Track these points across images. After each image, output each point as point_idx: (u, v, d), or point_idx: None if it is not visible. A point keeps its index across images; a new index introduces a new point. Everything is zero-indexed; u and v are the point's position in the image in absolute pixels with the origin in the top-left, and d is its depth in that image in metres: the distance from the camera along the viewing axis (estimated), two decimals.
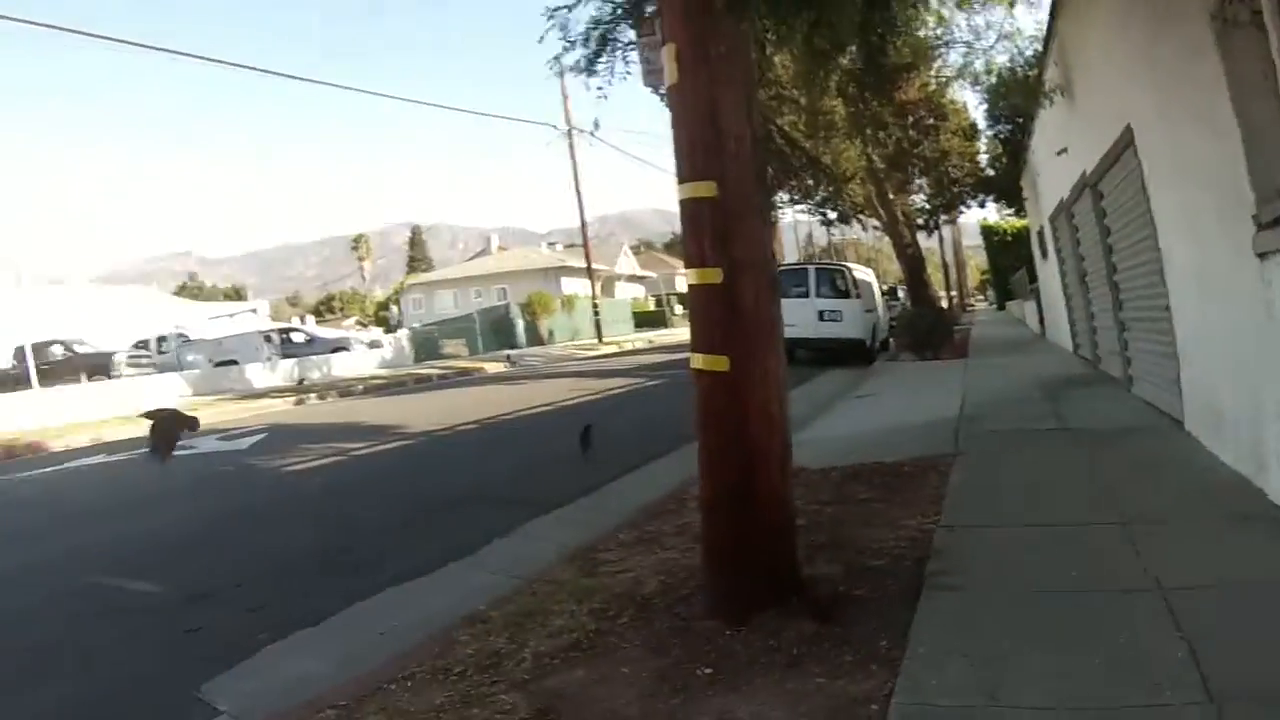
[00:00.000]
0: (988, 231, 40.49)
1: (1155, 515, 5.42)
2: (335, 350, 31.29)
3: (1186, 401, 7.54)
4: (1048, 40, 11.29)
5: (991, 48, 8.89)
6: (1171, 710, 3.08)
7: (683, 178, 4.53)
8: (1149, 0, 6.41)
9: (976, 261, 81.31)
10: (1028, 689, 3.37)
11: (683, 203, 4.54)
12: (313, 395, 22.25)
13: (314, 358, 29.16)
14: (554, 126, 39.11)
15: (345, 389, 23.64)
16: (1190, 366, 7.32)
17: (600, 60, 6.06)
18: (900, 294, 41.44)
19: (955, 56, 8.69)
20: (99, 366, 28.27)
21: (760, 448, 4.49)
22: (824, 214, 36.38)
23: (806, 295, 20.97)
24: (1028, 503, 6.17)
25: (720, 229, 4.39)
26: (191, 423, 7.43)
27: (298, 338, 32.67)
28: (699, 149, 4.45)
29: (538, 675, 4.04)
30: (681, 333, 36.28)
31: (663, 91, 4.94)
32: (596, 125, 30.78)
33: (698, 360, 4.56)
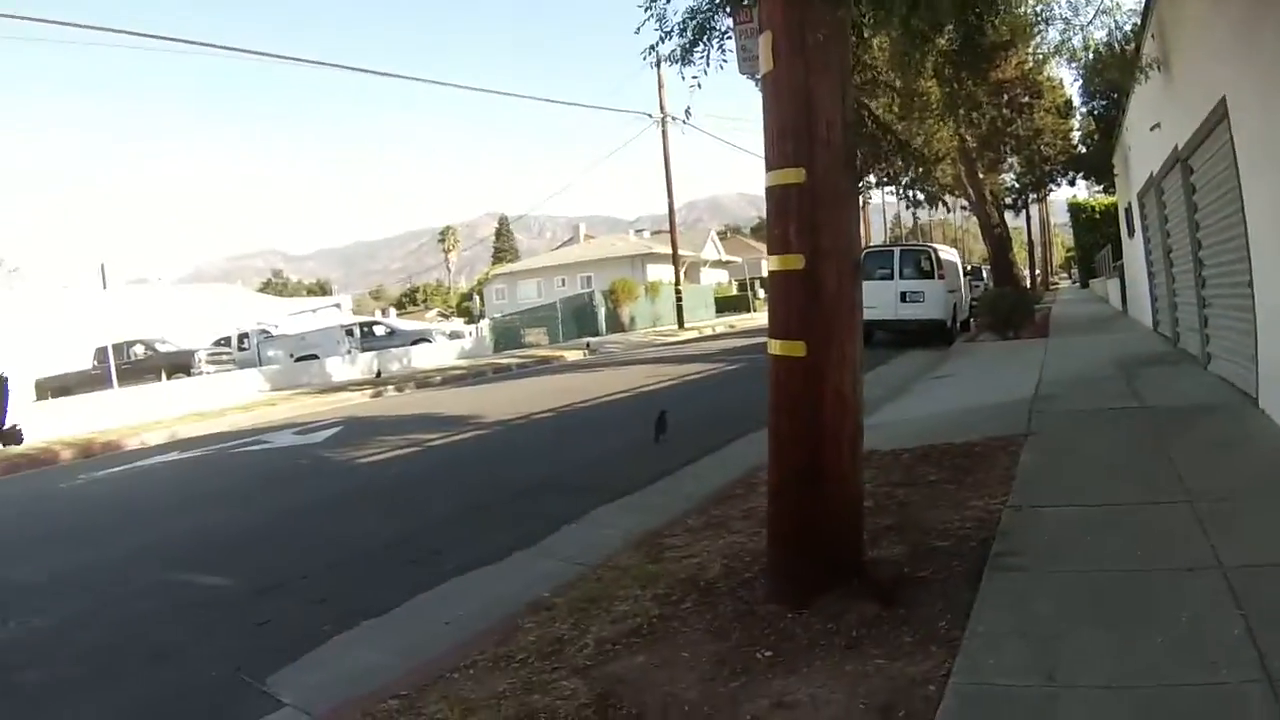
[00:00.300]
0: (1076, 209, 39.89)
1: (1224, 493, 5.33)
2: (416, 342, 31.37)
3: (1262, 379, 7.39)
4: (1145, 14, 11.03)
5: (1090, 23, 8.67)
6: (1227, 689, 3.05)
7: (772, 165, 4.51)
8: None
9: (1063, 239, 79.90)
10: (1085, 668, 3.35)
11: (770, 189, 4.52)
12: (390, 387, 22.39)
13: (394, 350, 29.24)
14: (648, 115, 38.63)
15: (423, 380, 23.80)
16: (1269, 344, 7.16)
17: (696, 49, 6.05)
18: (984, 273, 40.71)
19: (1053, 33, 8.51)
20: (180, 364, 28.69)
21: (832, 431, 4.47)
22: (910, 196, 35.94)
23: (890, 277, 20.83)
24: (1096, 482, 6.07)
25: (808, 215, 4.37)
26: (14, 437, 7.28)
27: (379, 331, 32.85)
28: (790, 136, 4.42)
29: (600, 661, 4.08)
30: (762, 317, 36.02)
31: (758, 78, 4.89)
32: (688, 113, 30.49)
33: (775, 346, 4.56)
